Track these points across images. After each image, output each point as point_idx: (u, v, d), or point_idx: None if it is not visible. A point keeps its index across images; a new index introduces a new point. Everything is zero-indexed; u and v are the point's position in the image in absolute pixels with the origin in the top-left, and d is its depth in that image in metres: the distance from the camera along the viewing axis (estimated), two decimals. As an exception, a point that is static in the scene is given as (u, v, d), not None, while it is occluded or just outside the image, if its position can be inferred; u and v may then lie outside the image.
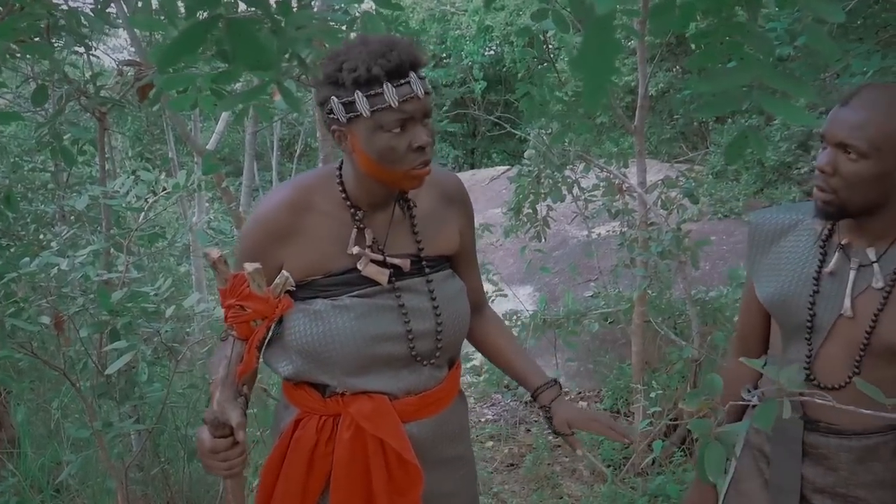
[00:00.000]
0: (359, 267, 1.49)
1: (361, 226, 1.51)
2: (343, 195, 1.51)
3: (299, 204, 1.50)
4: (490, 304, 1.88)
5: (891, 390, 1.31)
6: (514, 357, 1.80)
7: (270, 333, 1.56)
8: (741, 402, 1.46)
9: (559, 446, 4.17)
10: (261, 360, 1.58)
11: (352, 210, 1.51)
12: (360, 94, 1.33)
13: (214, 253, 1.39)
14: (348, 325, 1.47)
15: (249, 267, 1.40)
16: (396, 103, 1.33)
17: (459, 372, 1.71)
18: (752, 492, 1.69)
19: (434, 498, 1.61)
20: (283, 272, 1.47)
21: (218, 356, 1.52)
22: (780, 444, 1.59)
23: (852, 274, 1.50)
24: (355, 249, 1.49)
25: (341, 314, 1.47)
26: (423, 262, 1.56)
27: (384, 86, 1.32)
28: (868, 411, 1.16)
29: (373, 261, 1.50)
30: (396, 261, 1.51)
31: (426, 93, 1.37)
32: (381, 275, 1.50)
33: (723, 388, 1.78)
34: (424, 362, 1.55)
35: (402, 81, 1.34)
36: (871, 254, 1.49)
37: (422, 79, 1.37)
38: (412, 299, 1.53)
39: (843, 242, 1.52)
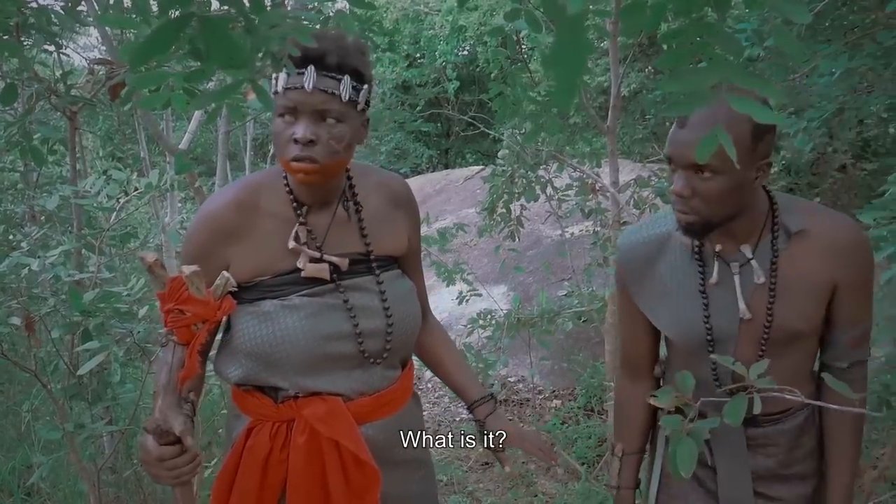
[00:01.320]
0: (299, 265, 1.47)
1: (303, 221, 1.49)
2: (289, 193, 1.51)
3: (246, 203, 1.49)
4: (465, 303, 1.88)
5: (791, 375, 1.43)
6: (455, 368, 1.80)
7: (218, 339, 1.53)
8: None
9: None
10: (209, 365, 1.55)
11: (294, 204, 1.50)
12: (274, 75, 1.37)
13: (150, 257, 1.36)
14: (298, 324, 1.45)
15: (187, 270, 1.37)
16: (282, 89, 1.37)
17: (413, 373, 1.69)
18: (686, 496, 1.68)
19: (392, 500, 1.58)
20: (224, 273, 1.43)
21: (159, 363, 1.48)
22: (724, 446, 1.59)
23: (737, 278, 1.51)
24: (291, 244, 1.47)
25: (291, 314, 1.46)
26: (374, 263, 1.55)
27: (282, 72, 1.36)
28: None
29: (312, 259, 1.48)
30: (334, 259, 1.49)
31: (320, 89, 1.36)
32: (322, 271, 1.48)
33: (616, 411, 1.80)
34: (373, 360, 1.53)
35: (299, 71, 1.36)
36: (748, 251, 1.50)
37: (333, 78, 1.37)
38: (360, 298, 1.52)
39: (717, 250, 1.52)
